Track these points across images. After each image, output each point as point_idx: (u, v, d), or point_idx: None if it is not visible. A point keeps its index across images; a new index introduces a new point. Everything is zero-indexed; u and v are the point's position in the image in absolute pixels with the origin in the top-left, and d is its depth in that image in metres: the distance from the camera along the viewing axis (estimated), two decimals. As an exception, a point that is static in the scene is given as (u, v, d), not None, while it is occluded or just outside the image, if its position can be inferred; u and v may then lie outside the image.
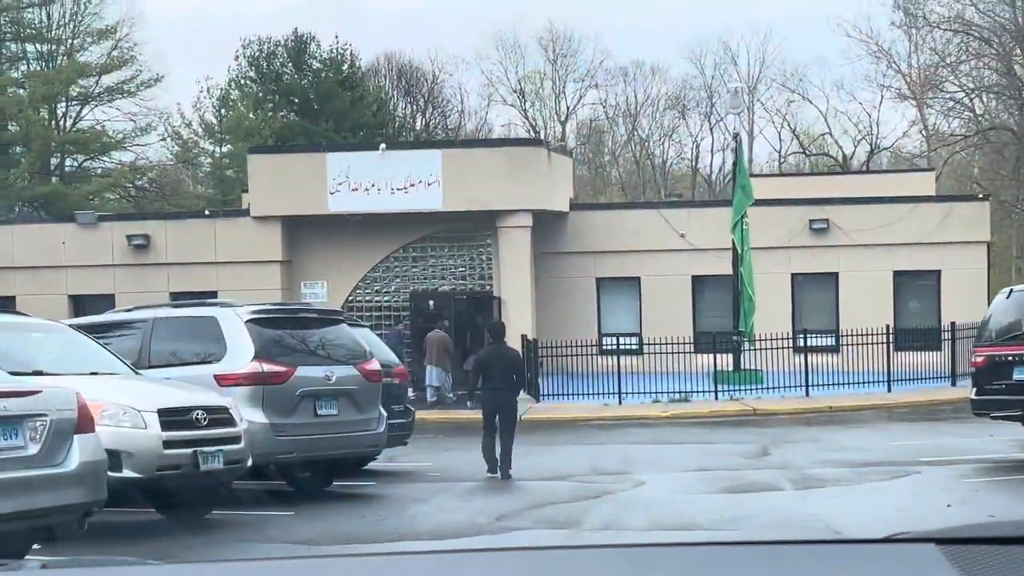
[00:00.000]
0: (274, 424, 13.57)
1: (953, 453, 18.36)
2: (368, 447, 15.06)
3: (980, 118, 60.93)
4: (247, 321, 13.81)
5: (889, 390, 30.92)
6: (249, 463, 12.33)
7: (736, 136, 33.47)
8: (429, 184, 31.72)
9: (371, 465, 17.05)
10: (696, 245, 35.74)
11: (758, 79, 71.94)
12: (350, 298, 33.63)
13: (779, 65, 70.66)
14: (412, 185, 31.79)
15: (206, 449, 11.56)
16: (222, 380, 13.36)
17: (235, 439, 11.98)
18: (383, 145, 32.16)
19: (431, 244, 33.66)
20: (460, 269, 33.64)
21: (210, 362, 13.70)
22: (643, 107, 73.66)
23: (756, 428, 25.00)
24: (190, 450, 11.44)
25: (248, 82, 58.43)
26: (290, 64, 59.08)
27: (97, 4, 53.78)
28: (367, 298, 33.77)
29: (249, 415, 13.22)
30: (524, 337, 31.67)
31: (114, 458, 10.84)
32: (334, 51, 59.30)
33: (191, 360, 13.91)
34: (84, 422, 9.22)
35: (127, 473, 11.07)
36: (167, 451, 11.32)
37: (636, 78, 73.26)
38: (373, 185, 31.85)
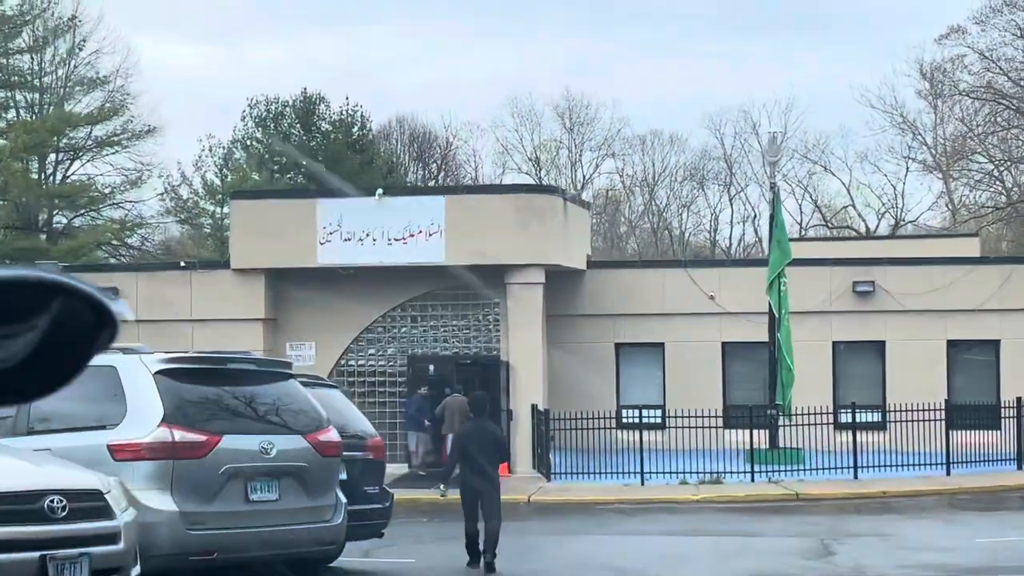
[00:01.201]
0: (187, 513, 9.96)
1: (1067, 555, 14.71)
2: (321, 544, 11.34)
3: (1011, 191, 58.64)
4: (157, 372, 10.26)
5: (948, 473, 27.28)
6: (136, 572, 8.74)
7: (774, 186, 30.10)
8: (431, 234, 28.32)
9: (339, 561, 13.49)
10: (727, 308, 32.21)
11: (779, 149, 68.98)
12: (341, 361, 30.11)
13: (801, 136, 67.68)
14: (412, 235, 28.39)
15: (62, 552, 7.99)
16: (117, 452, 9.84)
17: (110, 537, 8.41)
18: (380, 190, 28.80)
19: (432, 302, 30.15)
20: (464, 331, 30.11)
21: (104, 427, 10.14)
22: (661, 177, 71.25)
23: (803, 516, 21.48)
24: (36, 554, 7.88)
25: (254, 142, 56.12)
26: (298, 125, 57.13)
27: (91, 54, 50.93)
28: (360, 362, 30.23)
29: (153, 501, 9.70)
30: (534, 408, 28.14)
31: (-87, 567, 7.33)
32: (344, 113, 57.66)
33: (82, 424, 10.36)
34: None
35: (-66, 589, 7.53)
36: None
37: (654, 147, 71.04)
38: (368, 235, 28.47)
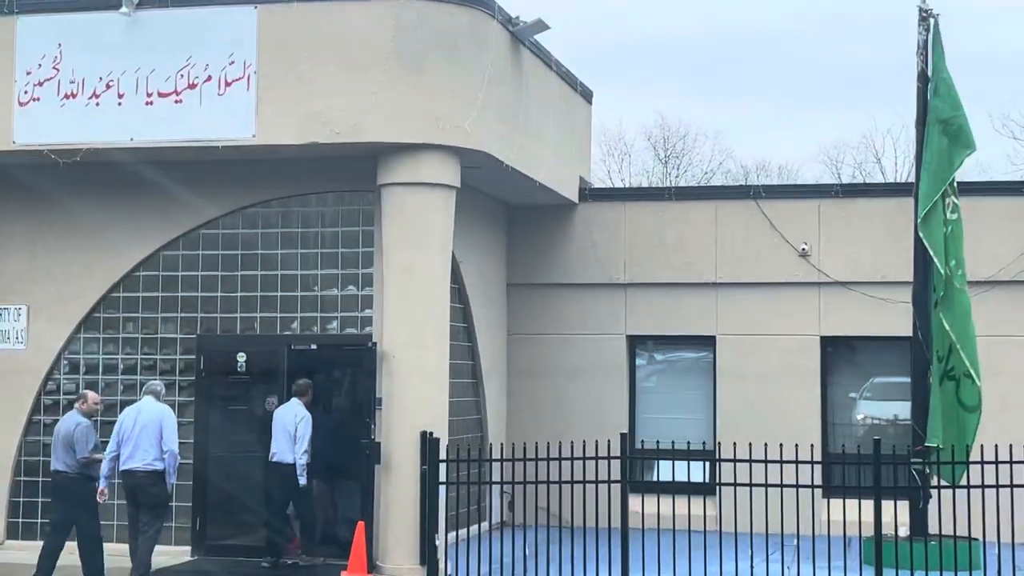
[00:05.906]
0: None
1: None
2: None
3: None
4: None
5: None
6: None
7: (928, 15, 15.32)
8: (229, 83, 14.13)
9: None
10: (831, 274, 17.59)
11: (906, 181, 55.43)
12: (76, 343, 15.77)
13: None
14: (192, 85, 14.22)
15: None
16: None
17: None
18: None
19: (245, 231, 15.62)
20: (309, 289, 15.53)
21: None
22: (766, 216, 58.61)
23: None
24: None
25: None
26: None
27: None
28: (111, 344, 15.77)
29: None
30: (427, 436, 13.61)
31: None
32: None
33: None
34: None
35: None
36: None
37: (759, 181, 58.60)
38: (110, 85, 14.35)
